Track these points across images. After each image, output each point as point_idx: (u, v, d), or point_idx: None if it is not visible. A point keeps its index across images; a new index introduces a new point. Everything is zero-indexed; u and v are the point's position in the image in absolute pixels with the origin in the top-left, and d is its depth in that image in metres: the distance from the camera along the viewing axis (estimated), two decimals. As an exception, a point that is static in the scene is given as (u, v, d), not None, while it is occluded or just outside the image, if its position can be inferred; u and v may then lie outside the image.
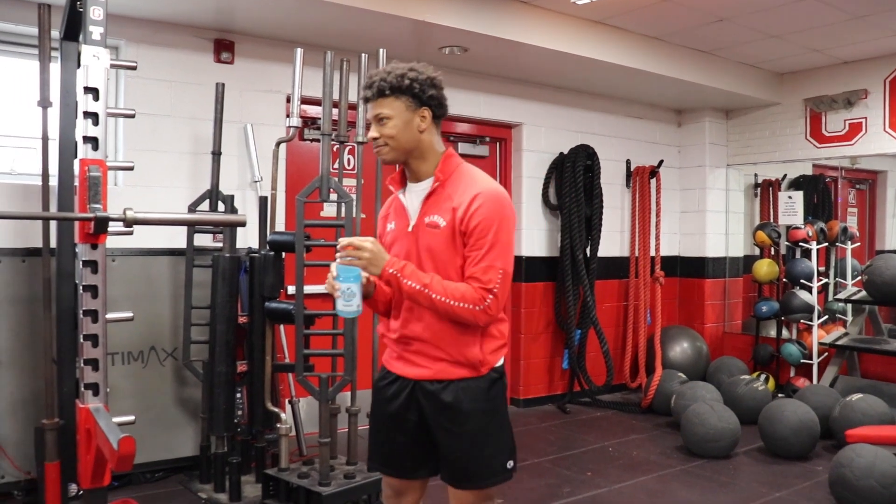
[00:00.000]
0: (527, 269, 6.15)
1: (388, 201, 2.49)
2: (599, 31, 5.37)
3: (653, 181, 6.73)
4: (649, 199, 6.72)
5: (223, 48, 4.71)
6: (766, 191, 7.53)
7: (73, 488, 3.62)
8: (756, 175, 7.49)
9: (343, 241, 2.25)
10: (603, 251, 6.37)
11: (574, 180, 6.09)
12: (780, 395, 6.02)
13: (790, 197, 6.57)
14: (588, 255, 6.19)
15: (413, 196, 2.36)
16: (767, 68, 6.52)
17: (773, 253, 6.91)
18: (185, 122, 4.56)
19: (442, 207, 2.27)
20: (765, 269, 6.57)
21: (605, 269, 6.54)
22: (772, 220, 7.20)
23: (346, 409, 4.03)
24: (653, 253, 6.69)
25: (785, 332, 6.53)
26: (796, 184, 7.46)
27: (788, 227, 6.48)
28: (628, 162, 6.83)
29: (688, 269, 7.22)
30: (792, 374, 6.34)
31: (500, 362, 2.39)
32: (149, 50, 4.44)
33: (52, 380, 3.50)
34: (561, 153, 6.25)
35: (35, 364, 3.88)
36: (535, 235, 6.24)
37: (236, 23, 4.64)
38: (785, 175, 7.48)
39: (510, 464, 2.40)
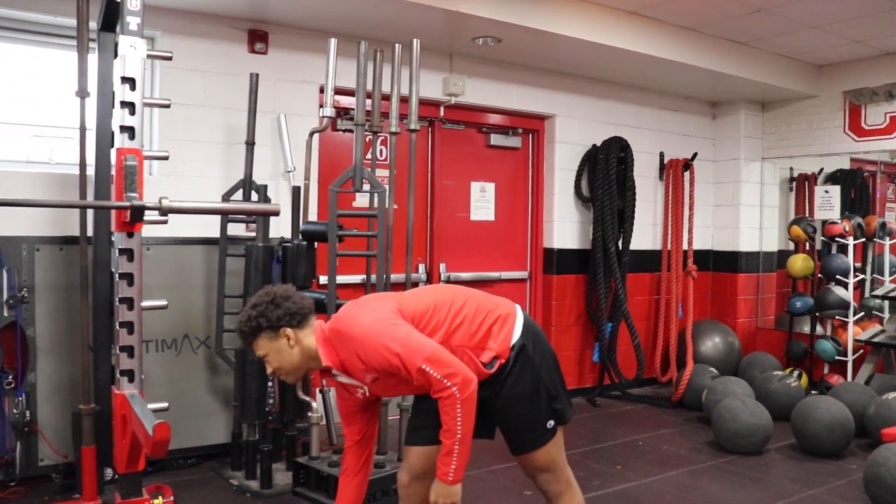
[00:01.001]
0: (558, 261, 6.13)
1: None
2: (635, 22, 5.32)
3: (686, 174, 6.65)
4: (682, 192, 6.64)
5: (257, 38, 4.73)
6: (801, 185, 7.42)
7: (109, 472, 3.68)
8: (791, 169, 7.40)
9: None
10: (635, 244, 6.32)
11: (607, 172, 6.05)
12: (813, 391, 5.94)
13: (827, 191, 6.46)
14: (620, 247, 6.14)
15: (343, 377, 2.57)
16: (806, 60, 6.41)
17: (808, 248, 6.81)
18: (219, 112, 4.58)
19: (362, 367, 2.44)
20: (799, 264, 6.48)
21: (637, 262, 6.49)
22: (807, 215, 7.10)
23: (377, 399, 4.05)
24: (685, 246, 6.62)
25: (819, 329, 6.44)
26: (833, 178, 7.35)
27: (825, 222, 6.38)
28: (661, 154, 6.76)
29: (720, 263, 7.14)
30: (826, 370, 6.25)
31: (513, 341, 2.62)
32: (184, 40, 4.47)
33: (88, 366, 3.55)
34: (594, 145, 6.21)
35: (72, 350, 3.94)
36: (566, 228, 6.21)
37: (270, 13, 4.66)
38: (822, 169, 7.36)
39: (550, 423, 2.66)
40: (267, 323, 2.44)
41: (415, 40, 4.04)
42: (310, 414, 3.96)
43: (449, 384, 2.28)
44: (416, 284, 5.30)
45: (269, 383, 4.10)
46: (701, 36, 5.68)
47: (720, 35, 5.74)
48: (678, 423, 5.61)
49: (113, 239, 3.39)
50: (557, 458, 2.72)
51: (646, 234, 6.66)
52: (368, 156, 4.48)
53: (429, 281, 5.65)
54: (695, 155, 6.63)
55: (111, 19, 3.51)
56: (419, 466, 2.76)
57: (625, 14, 5.25)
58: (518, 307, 2.76)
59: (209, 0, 4.40)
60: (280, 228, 4.45)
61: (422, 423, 2.76)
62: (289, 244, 4.04)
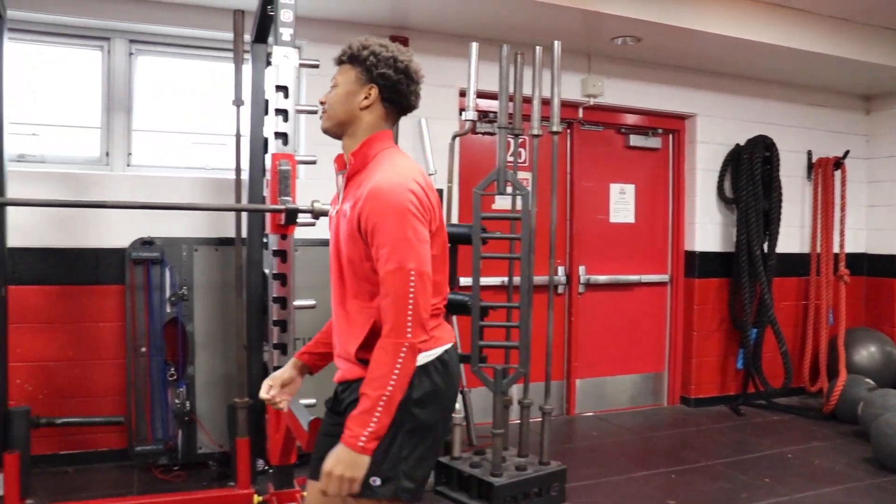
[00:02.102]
0: (700, 264, 5.95)
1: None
2: (780, 15, 5.09)
3: (837, 173, 6.30)
4: (832, 192, 6.30)
5: (401, 44, 4.81)
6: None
7: (261, 463, 3.85)
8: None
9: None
10: (781, 247, 6.04)
11: (751, 173, 5.82)
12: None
13: None
14: (766, 250, 5.89)
15: (341, 178, 2.12)
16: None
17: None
18: (363, 117, 4.70)
19: (354, 195, 1.99)
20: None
21: (784, 265, 6.20)
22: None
23: (519, 402, 4.04)
24: (836, 249, 6.27)
25: None
26: None
27: None
28: (809, 153, 6.44)
29: (876, 267, 6.71)
30: None
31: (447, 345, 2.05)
32: (329, 49, 4.53)
33: (242, 362, 3.72)
34: (737, 144, 5.98)
35: (227, 346, 4.15)
36: (708, 230, 6.01)
37: (410, 19, 4.76)
38: None
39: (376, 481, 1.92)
40: (373, 63, 2.03)
41: (556, 42, 4.02)
42: (453, 415, 3.99)
43: (410, 322, 1.84)
44: (556, 287, 5.29)
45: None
46: (855, 26, 5.37)
47: (876, 23, 5.40)
48: (831, 436, 5.31)
49: (266, 240, 3.57)
50: None
51: (792, 237, 6.36)
52: (510, 158, 4.49)
53: (569, 285, 5.61)
54: (847, 153, 6.27)
55: (264, 32, 3.69)
56: None
57: (770, 7, 5.04)
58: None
59: (352, 9, 4.54)
60: (421, 230, 4.52)
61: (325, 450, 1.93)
62: (431, 246, 4.09)
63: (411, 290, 1.85)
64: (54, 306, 4.20)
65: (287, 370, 2.32)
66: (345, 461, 1.82)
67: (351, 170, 2.04)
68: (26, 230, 4.06)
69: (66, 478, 4.10)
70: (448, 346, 2.05)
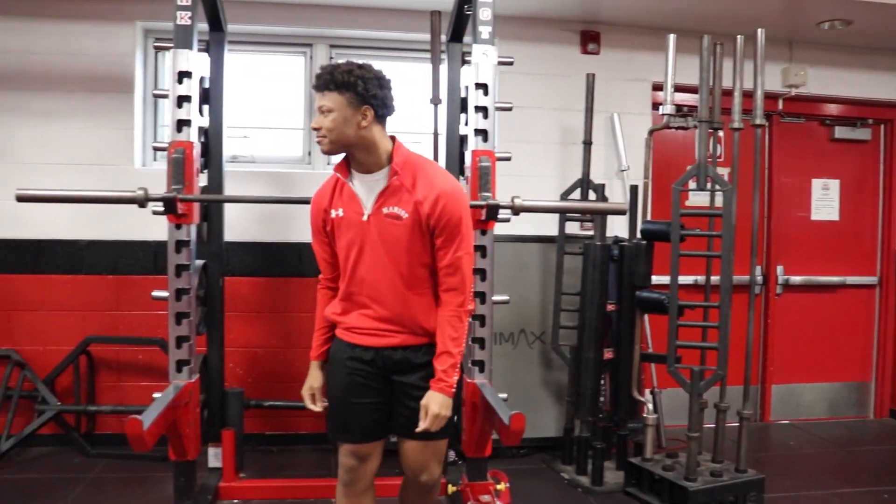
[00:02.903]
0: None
1: (330, 188, 2.52)
2: None
3: None
4: None
5: (589, 39, 4.79)
6: None
7: (452, 454, 3.93)
8: None
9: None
10: None
11: (976, 165, 5.31)
12: None
13: None
14: None
15: (364, 186, 2.41)
16: None
17: None
18: (553, 113, 4.73)
19: (402, 199, 2.36)
20: None
21: None
22: None
23: (715, 405, 3.88)
24: None
25: None
26: None
27: None
28: None
29: None
30: None
31: None
32: (519, 45, 4.64)
33: (437, 355, 3.80)
34: (960, 134, 5.47)
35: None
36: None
37: (601, 13, 4.70)
38: None
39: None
40: (362, 89, 2.29)
41: (759, 30, 3.81)
42: (644, 415, 3.91)
43: (471, 295, 2.45)
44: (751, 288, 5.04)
45: (602, 382, 4.12)
46: None
47: None
48: None
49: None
50: None
51: None
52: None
53: (765, 285, 5.34)
54: None
55: (459, 31, 3.76)
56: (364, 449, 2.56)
57: None
58: None
59: (543, 5, 4.54)
60: (613, 227, 4.46)
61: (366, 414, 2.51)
62: (625, 243, 4.03)
63: (471, 271, 2.42)
64: (261, 296, 4.49)
65: (316, 376, 2.65)
66: (445, 404, 2.35)
67: (401, 177, 2.37)
68: (237, 225, 4.36)
69: (270, 456, 4.38)
70: None
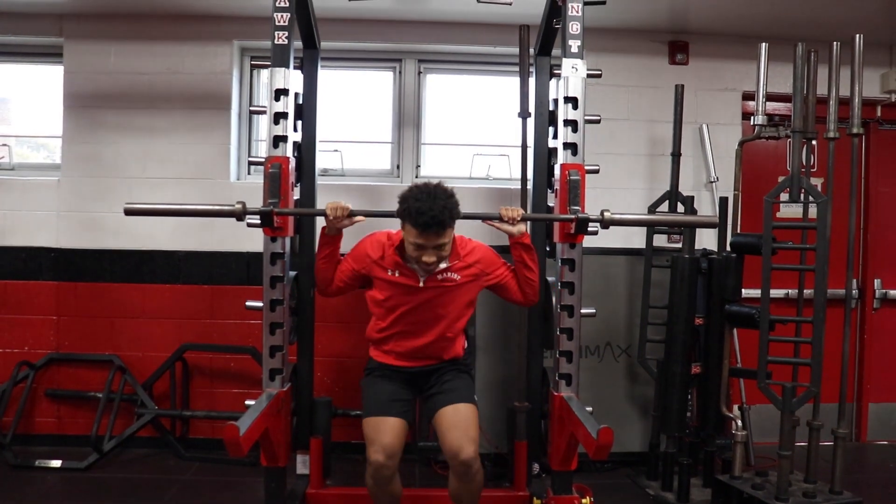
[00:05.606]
0: None
1: (384, 248, 2.99)
2: None
3: None
4: None
5: (678, 50, 4.75)
6: None
7: (536, 467, 3.93)
8: None
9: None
10: None
11: None
12: None
13: None
14: None
15: (418, 267, 2.90)
16: None
17: None
18: (640, 124, 4.71)
19: (457, 266, 2.96)
20: None
21: None
22: None
23: (808, 423, 3.78)
24: None
25: None
26: None
27: None
28: None
29: None
30: None
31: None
32: (607, 57, 4.64)
33: (522, 366, 3.82)
34: None
35: (507, 350, 4.28)
36: None
37: (690, 23, 4.65)
38: None
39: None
40: (456, 214, 2.75)
41: (857, 35, 3.70)
42: (734, 432, 3.83)
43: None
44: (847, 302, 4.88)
45: (689, 396, 4.06)
46: None
47: None
48: None
49: (547, 249, 3.65)
50: None
51: None
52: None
53: (861, 299, 5.16)
54: None
55: (548, 44, 3.78)
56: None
57: None
58: None
59: (630, 17, 4.53)
60: (702, 240, 4.40)
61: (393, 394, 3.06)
62: (714, 256, 3.97)
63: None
64: (349, 307, 4.57)
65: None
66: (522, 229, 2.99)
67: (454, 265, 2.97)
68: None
69: (356, 464, 4.44)
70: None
